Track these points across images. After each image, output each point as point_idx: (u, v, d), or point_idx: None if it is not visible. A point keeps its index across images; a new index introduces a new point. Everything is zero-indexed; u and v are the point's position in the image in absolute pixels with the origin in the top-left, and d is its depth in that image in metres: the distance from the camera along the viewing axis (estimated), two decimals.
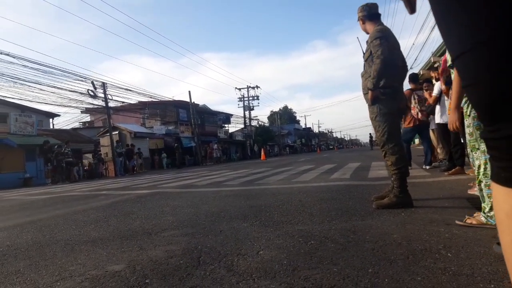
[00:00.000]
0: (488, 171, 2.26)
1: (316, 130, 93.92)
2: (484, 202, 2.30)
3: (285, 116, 80.00)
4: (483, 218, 2.26)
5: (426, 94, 6.46)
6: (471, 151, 2.42)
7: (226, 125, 43.76)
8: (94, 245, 2.66)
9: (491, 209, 2.20)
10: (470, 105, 2.40)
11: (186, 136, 32.25)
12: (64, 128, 28.70)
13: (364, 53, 3.35)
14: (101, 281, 1.83)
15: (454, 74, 2.39)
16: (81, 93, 20.98)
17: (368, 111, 3.34)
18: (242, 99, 44.12)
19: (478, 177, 2.36)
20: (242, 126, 44.79)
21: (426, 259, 1.74)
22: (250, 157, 39.68)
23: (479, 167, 2.35)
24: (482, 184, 2.30)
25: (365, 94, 3.31)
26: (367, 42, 3.28)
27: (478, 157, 2.36)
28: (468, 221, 2.33)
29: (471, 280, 1.44)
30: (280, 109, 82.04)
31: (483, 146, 2.32)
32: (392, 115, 3.19)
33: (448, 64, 2.44)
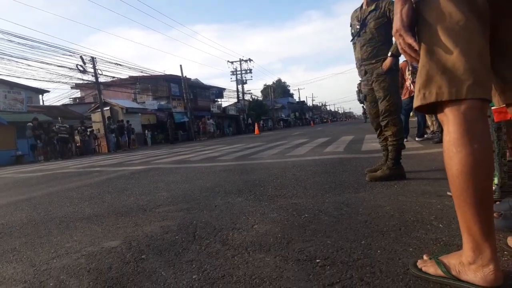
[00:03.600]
0: None
1: (310, 103, 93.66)
2: None
3: (279, 89, 79.35)
4: None
5: None
6: None
7: (219, 100, 43.35)
8: (89, 222, 2.67)
9: None
10: None
11: (178, 111, 31.98)
12: (55, 104, 28.31)
13: (365, 21, 3.16)
14: (97, 257, 1.84)
15: None
16: (70, 69, 20.59)
17: (374, 80, 3.19)
18: (235, 73, 43.62)
19: None
20: (235, 100, 44.46)
21: (418, 230, 1.77)
22: (244, 132, 39.66)
23: None
24: None
25: (372, 63, 3.16)
26: (368, 3, 3.15)
27: None
28: None
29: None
30: (273, 82, 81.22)
31: None
32: (397, 87, 3.22)
33: None
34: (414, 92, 4.79)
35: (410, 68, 6.72)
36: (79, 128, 19.96)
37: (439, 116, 1.19)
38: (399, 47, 1.25)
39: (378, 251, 1.55)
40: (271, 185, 3.50)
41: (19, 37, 17.66)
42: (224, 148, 10.80)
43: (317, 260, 1.51)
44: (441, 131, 6.04)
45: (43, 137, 16.58)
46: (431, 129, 7.53)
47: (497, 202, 2.01)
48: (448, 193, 2.44)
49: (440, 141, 5.83)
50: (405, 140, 6.29)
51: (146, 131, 26.68)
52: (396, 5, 1.19)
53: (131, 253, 1.86)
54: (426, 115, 7.56)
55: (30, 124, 16.66)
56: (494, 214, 1.72)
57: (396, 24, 1.20)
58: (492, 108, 1.89)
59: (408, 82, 6.75)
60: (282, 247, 1.72)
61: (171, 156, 9.63)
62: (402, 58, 6.78)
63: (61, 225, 2.66)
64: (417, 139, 6.90)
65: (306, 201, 2.66)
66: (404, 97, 6.90)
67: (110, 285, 1.47)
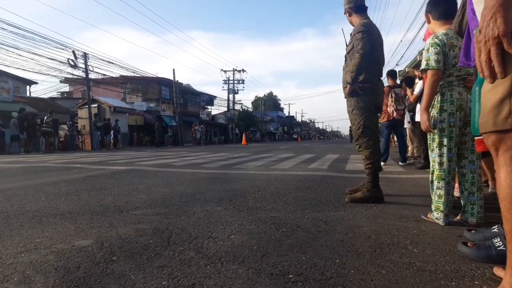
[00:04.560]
0: (441, 172, 2.35)
1: (299, 119, 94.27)
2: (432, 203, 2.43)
3: (270, 102, 79.88)
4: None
5: (408, 92, 6.55)
6: (430, 151, 2.49)
7: (209, 107, 43.30)
8: (63, 219, 2.61)
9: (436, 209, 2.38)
10: (432, 107, 2.44)
11: (167, 114, 31.76)
12: (41, 96, 27.81)
13: (347, 46, 3.32)
14: (66, 255, 1.79)
15: (427, 78, 2.42)
16: (61, 62, 20.28)
17: (346, 104, 3.34)
18: (227, 82, 43.63)
19: (432, 177, 2.44)
20: (225, 109, 44.43)
21: (392, 253, 1.77)
22: (231, 141, 39.59)
23: (433, 166, 2.43)
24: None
25: (344, 87, 3.29)
26: (350, 34, 3.26)
27: (434, 158, 2.43)
28: (430, 215, 2.46)
29: (433, 276, 1.48)
30: (265, 95, 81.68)
31: (434, 145, 2.41)
32: (369, 110, 3.19)
33: (421, 69, 2.48)
34: (394, 116, 4.80)
35: (393, 95, 6.83)
36: (68, 122, 19.62)
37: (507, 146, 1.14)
38: (485, 54, 1.05)
39: (352, 271, 1.55)
40: (252, 197, 3.49)
41: (11, 25, 17.41)
42: (209, 156, 10.74)
43: (290, 276, 1.50)
44: (424, 157, 6.14)
45: (27, 128, 16.17)
46: (414, 154, 7.65)
47: (472, 231, 2.04)
48: (423, 216, 2.50)
49: (423, 167, 5.91)
50: (383, 163, 6.38)
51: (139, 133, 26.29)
52: (500, 7, 1.01)
53: (102, 253, 1.81)
54: (408, 141, 7.69)
55: (15, 115, 16.22)
56: (468, 244, 1.74)
57: (499, 28, 1.00)
58: None
59: (390, 109, 6.86)
60: (256, 259, 1.71)
61: (154, 159, 9.52)
62: (385, 83, 6.92)
63: (33, 220, 2.59)
64: (400, 163, 6.99)
65: (286, 216, 2.66)
66: (382, 120, 7.05)
67: (76, 285, 1.43)
